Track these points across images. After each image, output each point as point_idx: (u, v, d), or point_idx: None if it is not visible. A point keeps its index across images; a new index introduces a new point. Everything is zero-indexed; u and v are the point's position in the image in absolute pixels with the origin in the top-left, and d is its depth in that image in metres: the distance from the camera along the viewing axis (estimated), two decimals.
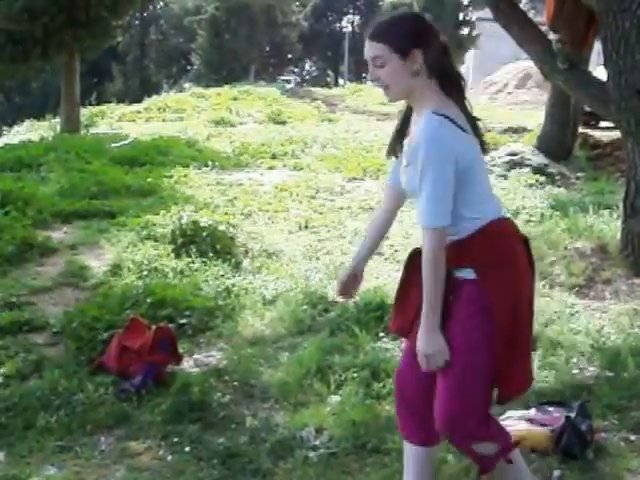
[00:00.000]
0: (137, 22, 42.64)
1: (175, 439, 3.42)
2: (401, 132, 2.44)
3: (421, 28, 2.33)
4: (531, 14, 12.26)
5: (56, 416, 3.57)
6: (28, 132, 18.01)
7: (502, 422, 3.37)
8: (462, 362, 2.32)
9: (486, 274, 2.31)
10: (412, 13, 2.46)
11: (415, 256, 2.46)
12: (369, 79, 2.47)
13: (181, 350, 4.25)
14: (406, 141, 2.39)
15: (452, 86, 2.35)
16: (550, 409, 3.45)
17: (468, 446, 2.43)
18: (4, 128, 22.57)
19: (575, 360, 4.17)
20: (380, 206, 2.71)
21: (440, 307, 2.28)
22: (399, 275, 5.58)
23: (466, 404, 2.36)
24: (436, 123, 2.22)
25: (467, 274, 2.34)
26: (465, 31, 40.86)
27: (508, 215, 2.50)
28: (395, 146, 2.47)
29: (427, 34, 2.32)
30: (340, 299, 2.69)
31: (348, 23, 56.49)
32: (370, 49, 2.31)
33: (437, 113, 2.24)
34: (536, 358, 4.10)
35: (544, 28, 6.84)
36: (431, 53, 2.29)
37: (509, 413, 3.46)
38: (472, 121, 2.36)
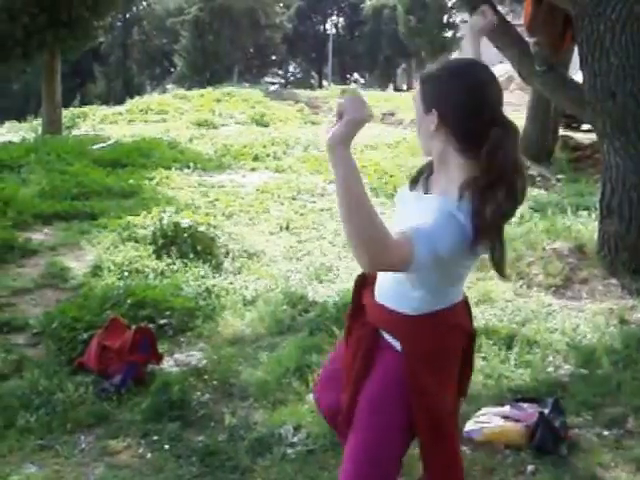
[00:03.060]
0: (119, 23, 42.42)
1: (154, 437, 3.45)
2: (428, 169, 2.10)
3: (450, 88, 1.94)
4: (510, 17, 12.35)
5: (36, 415, 3.58)
6: (9, 133, 17.89)
7: (478, 419, 3.45)
8: (363, 433, 2.08)
9: (410, 358, 2.03)
10: (459, 66, 2.02)
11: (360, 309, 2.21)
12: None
13: (161, 350, 4.27)
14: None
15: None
16: (524, 406, 3.51)
17: None
18: None
19: (551, 358, 4.23)
20: None
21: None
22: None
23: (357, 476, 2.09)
24: (445, 221, 1.83)
25: (395, 342, 2.08)
26: (449, 34, 41.07)
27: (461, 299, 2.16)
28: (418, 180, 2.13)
29: (454, 94, 1.93)
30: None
31: (332, 25, 56.53)
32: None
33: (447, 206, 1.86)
34: (512, 356, 4.17)
35: (523, 31, 6.92)
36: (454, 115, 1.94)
37: (484, 410, 3.52)
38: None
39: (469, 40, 2.50)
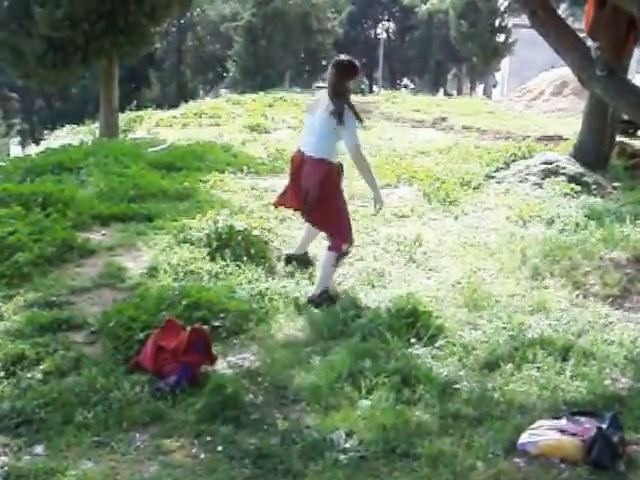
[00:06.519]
0: (174, 29, 42.97)
1: (208, 438, 3.49)
2: None
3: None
4: (569, 21, 12.12)
5: (93, 412, 3.67)
6: (68, 136, 18.32)
7: (533, 431, 3.40)
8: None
9: None
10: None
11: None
12: None
13: (215, 352, 4.31)
14: None
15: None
16: (581, 419, 3.45)
17: None
18: (45, 132, 22.93)
19: (608, 371, 4.16)
20: None
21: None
22: (431, 282, 5.54)
23: None
24: None
25: None
26: (501, 38, 40.62)
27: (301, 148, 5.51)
28: None
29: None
30: None
31: (383, 30, 56.42)
32: None
33: None
34: (568, 368, 4.11)
35: (582, 35, 6.78)
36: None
37: (539, 422, 3.47)
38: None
39: None
